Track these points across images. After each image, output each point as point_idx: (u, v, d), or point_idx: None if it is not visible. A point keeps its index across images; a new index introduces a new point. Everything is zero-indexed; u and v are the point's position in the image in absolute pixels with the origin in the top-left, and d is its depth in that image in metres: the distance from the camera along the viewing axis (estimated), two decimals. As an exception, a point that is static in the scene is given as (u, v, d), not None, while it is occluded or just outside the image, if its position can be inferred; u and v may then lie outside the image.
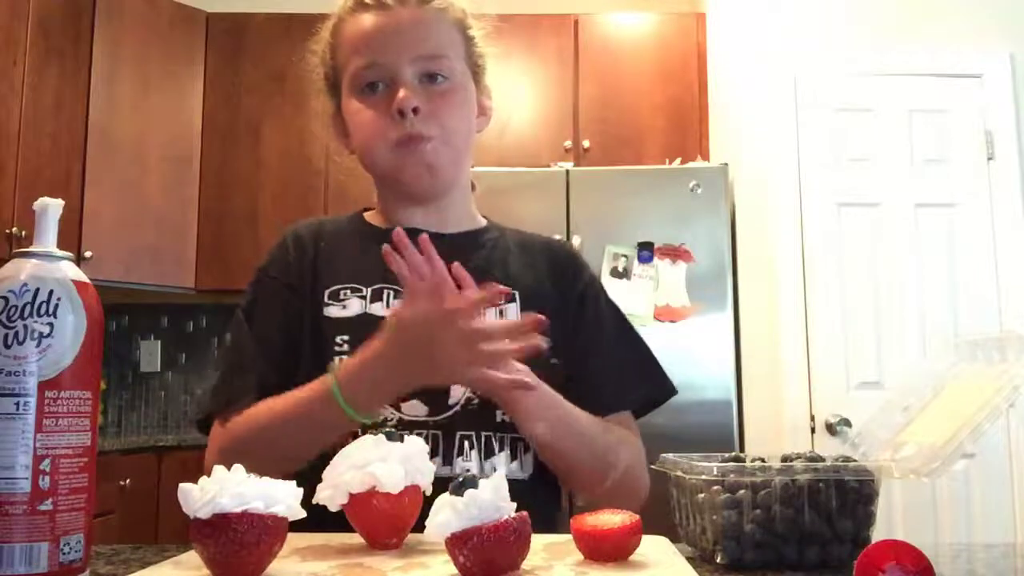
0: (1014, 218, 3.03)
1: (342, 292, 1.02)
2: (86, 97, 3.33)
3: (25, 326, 0.59)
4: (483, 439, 0.97)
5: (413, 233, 0.98)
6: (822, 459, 0.75)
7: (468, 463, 0.95)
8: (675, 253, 3.01)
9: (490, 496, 0.62)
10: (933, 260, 3.02)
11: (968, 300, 2.99)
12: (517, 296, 1.04)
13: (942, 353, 0.86)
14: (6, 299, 0.60)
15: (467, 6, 1.09)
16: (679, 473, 0.77)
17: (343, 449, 0.74)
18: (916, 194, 3.06)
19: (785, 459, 0.77)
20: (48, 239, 0.64)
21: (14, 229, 2.95)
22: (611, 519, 0.67)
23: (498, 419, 0.98)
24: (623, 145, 3.49)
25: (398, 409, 0.96)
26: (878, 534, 0.70)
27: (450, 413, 0.97)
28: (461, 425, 0.97)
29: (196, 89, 3.63)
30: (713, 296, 2.99)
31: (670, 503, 0.82)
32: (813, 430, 2.93)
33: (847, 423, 2.89)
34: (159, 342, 3.90)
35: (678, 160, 3.25)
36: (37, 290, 0.60)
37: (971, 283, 3.01)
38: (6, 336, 0.59)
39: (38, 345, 0.59)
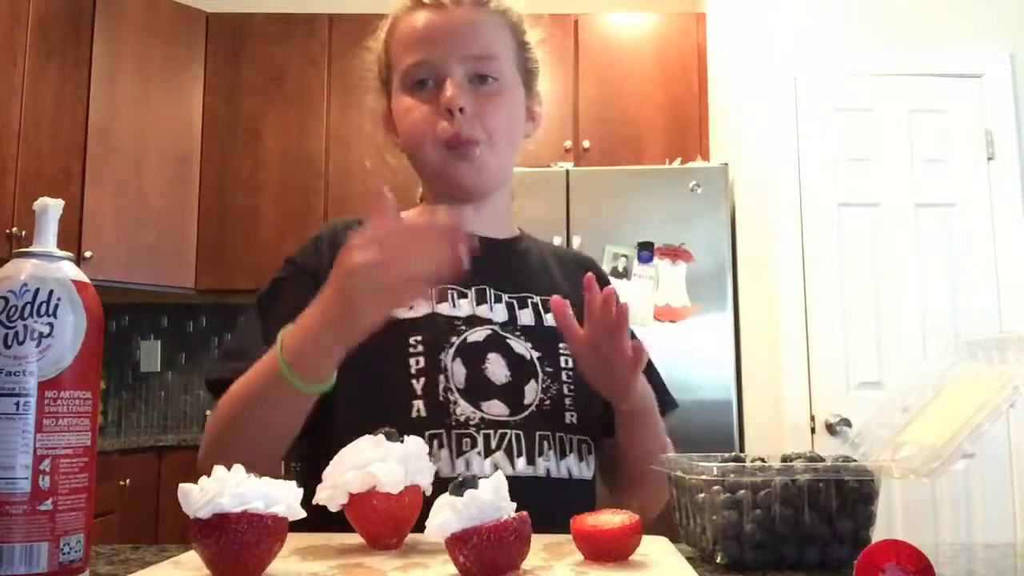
0: (1014, 218, 3.03)
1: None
2: (86, 97, 3.33)
3: (25, 326, 0.59)
4: (557, 439, 0.98)
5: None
6: (822, 459, 0.75)
7: (548, 463, 0.96)
8: (675, 253, 3.01)
9: (490, 496, 0.62)
10: (933, 260, 3.02)
11: (968, 300, 2.99)
12: (571, 304, 1.04)
13: (942, 353, 0.86)
14: (6, 299, 0.60)
15: (523, 10, 1.09)
16: (679, 473, 0.77)
17: (343, 449, 0.74)
18: (916, 194, 3.06)
19: (785, 459, 0.77)
20: (48, 239, 0.63)
21: (14, 229, 2.95)
22: (611, 519, 0.67)
23: (567, 420, 0.99)
24: (623, 145, 3.49)
25: (479, 408, 0.95)
26: (878, 534, 0.70)
27: (527, 413, 0.97)
28: (539, 425, 0.97)
29: (196, 89, 3.63)
30: (713, 296, 2.99)
31: (670, 503, 0.82)
32: (813, 430, 2.93)
33: (847, 423, 2.89)
34: (159, 342, 3.90)
35: (678, 160, 3.25)
36: (37, 290, 0.60)
37: (971, 283, 3.01)
38: (6, 336, 0.59)
39: (38, 345, 0.59)
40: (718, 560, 0.72)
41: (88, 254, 3.21)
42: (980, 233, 3.04)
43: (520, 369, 0.99)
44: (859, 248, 3.03)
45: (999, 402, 0.71)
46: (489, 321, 1.01)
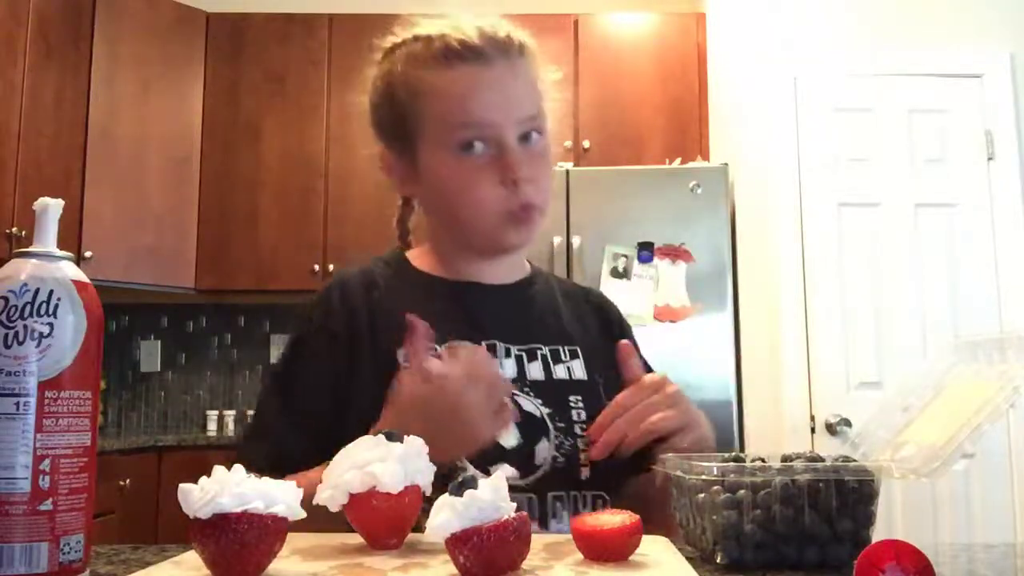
0: (1014, 218, 3.03)
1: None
2: (86, 97, 3.33)
3: (25, 326, 0.59)
4: (571, 498, 0.96)
5: (472, 287, 1.02)
6: (822, 459, 0.75)
7: (560, 524, 0.93)
8: (675, 253, 3.01)
9: (490, 496, 0.62)
10: (933, 260, 3.02)
11: (968, 300, 2.99)
12: (579, 351, 1.04)
13: (942, 353, 0.86)
14: (6, 299, 0.60)
15: (528, 38, 1.03)
16: (679, 473, 0.77)
17: (343, 449, 0.74)
18: (916, 194, 3.06)
19: (785, 459, 0.77)
20: (48, 239, 0.63)
21: (14, 229, 2.95)
22: (611, 519, 0.67)
23: (582, 477, 0.97)
24: (623, 145, 3.49)
25: (487, 473, 0.91)
26: (878, 534, 0.70)
27: (539, 474, 0.95)
28: (551, 485, 0.95)
29: (196, 89, 3.63)
30: (713, 296, 2.99)
31: (670, 503, 0.82)
32: (813, 430, 2.93)
33: (847, 423, 2.89)
34: (159, 342, 3.91)
35: (678, 160, 3.25)
36: (37, 290, 0.60)
37: (971, 283, 3.01)
38: (6, 336, 0.59)
39: (38, 345, 0.59)
40: (718, 560, 0.72)
41: (88, 254, 3.21)
42: (980, 233, 3.04)
43: (530, 428, 0.96)
44: (859, 248, 3.03)
45: (999, 402, 0.71)
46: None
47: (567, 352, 1.04)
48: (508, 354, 1.00)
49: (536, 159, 0.97)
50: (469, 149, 0.95)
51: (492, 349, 0.99)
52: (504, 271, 1.06)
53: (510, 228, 0.98)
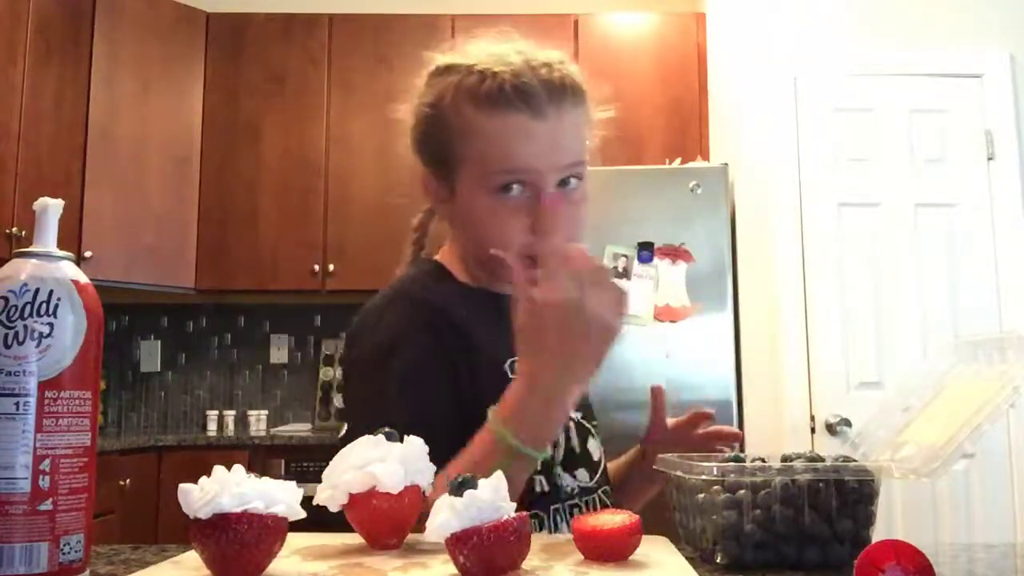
0: (1014, 218, 3.03)
1: (515, 364, 0.92)
2: (86, 97, 3.33)
3: (25, 326, 0.59)
4: (606, 492, 1.05)
5: (495, 297, 1.01)
6: (822, 459, 0.75)
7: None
8: (675, 253, 3.01)
9: (490, 496, 0.62)
10: (933, 260, 3.02)
11: (968, 300, 2.99)
12: None
13: (942, 353, 0.86)
14: (6, 299, 0.60)
15: (583, 78, 1.01)
16: (679, 473, 0.77)
17: (343, 449, 0.74)
18: (916, 194, 3.06)
19: (785, 459, 0.77)
20: (48, 239, 0.63)
21: (14, 229, 2.95)
22: (611, 519, 0.67)
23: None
24: (623, 145, 3.49)
25: (575, 478, 0.99)
26: (878, 534, 0.70)
27: (600, 473, 1.03)
28: (605, 480, 1.05)
29: (196, 89, 3.63)
30: (713, 296, 2.99)
31: (670, 503, 0.82)
32: (813, 430, 2.93)
33: (847, 423, 2.89)
34: (159, 342, 3.91)
35: (678, 160, 3.25)
36: (37, 290, 0.60)
37: (971, 283, 3.01)
38: (6, 336, 0.59)
39: (38, 345, 0.59)
40: (718, 560, 0.72)
41: (88, 254, 3.20)
42: (980, 233, 3.04)
43: (580, 432, 1.03)
44: (859, 248, 3.03)
45: (999, 402, 0.71)
46: None
47: None
48: None
49: (572, 205, 0.97)
50: (507, 191, 0.95)
51: None
52: None
53: (529, 271, 0.95)
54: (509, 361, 0.95)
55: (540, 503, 0.94)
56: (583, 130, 1.00)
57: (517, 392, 0.83)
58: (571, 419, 1.02)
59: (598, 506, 1.00)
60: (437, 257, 1.08)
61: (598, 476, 1.02)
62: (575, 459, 1.00)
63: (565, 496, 0.97)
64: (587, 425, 1.05)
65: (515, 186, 0.95)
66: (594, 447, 1.03)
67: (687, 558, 0.70)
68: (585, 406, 1.07)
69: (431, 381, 0.94)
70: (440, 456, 0.85)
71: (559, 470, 0.97)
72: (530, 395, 0.83)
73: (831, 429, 2.90)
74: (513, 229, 0.95)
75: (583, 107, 0.99)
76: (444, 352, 0.94)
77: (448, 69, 0.99)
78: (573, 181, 0.98)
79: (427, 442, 0.81)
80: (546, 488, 0.95)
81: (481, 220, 0.97)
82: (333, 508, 0.71)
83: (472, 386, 0.94)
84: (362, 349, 0.98)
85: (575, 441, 1.01)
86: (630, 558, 0.67)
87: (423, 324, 0.96)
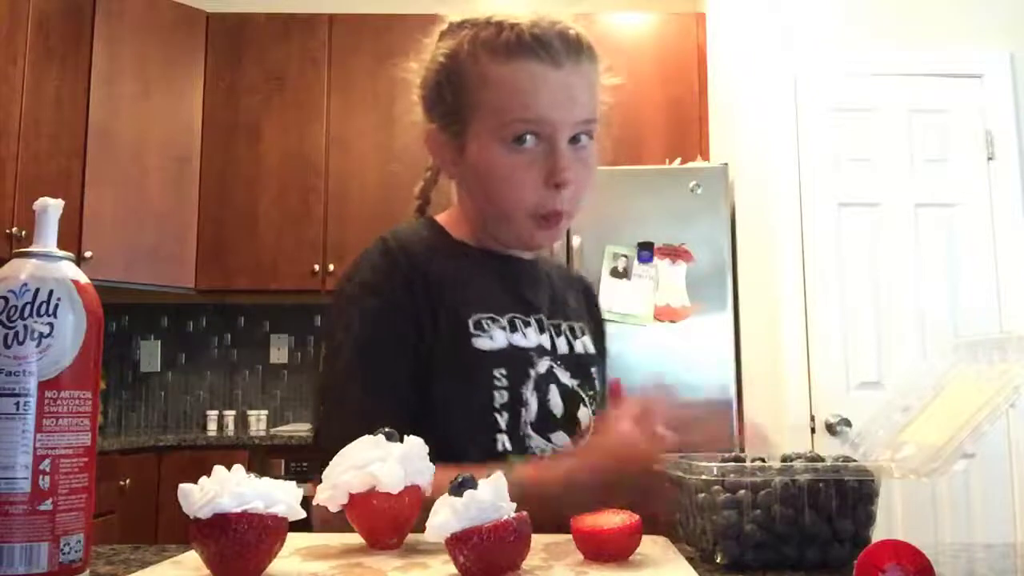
0: (1014, 218, 3.03)
1: (484, 322, 0.97)
2: (86, 97, 3.33)
3: (25, 326, 0.59)
4: None
5: (512, 260, 1.04)
6: (822, 459, 0.75)
7: None
8: (675, 253, 3.01)
9: (490, 496, 0.62)
10: (933, 260, 3.02)
11: (968, 300, 2.99)
12: (585, 328, 1.10)
13: (942, 353, 0.86)
14: (6, 299, 0.60)
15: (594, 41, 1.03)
16: (679, 473, 0.77)
17: (343, 449, 0.74)
18: (916, 194, 3.06)
19: (785, 459, 0.77)
20: (48, 239, 0.63)
21: (14, 229, 2.95)
22: (611, 519, 0.67)
23: None
24: (623, 145, 3.49)
25: (549, 441, 0.98)
26: (878, 534, 0.70)
27: (587, 439, 1.00)
28: None
29: (196, 89, 3.63)
30: (713, 296, 2.99)
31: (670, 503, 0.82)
32: (813, 430, 2.93)
33: (847, 423, 2.88)
34: (159, 342, 3.91)
35: (678, 160, 3.25)
36: (37, 290, 0.60)
37: (971, 283, 3.01)
38: (6, 336, 0.59)
39: (38, 345, 0.59)
40: (718, 560, 0.72)
41: (88, 254, 3.20)
42: (980, 233, 3.03)
43: (570, 398, 1.01)
44: (859, 248, 3.03)
45: (999, 402, 0.71)
46: (547, 351, 1.02)
47: (579, 328, 1.09)
48: (543, 328, 1.03)
49: (582, 163, 0.98)
50: (521, 142, 0.95)
51: (540, 323, 1.03)
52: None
53: (538, 230, 0.99)
54: (475, 317, 0.96)
55: (501, 461, 0.93)
56: (596, 89, 1.01)
57: (551, 471, 0.87)
58: (559, 382, 1.01)
59: None
60: (437, 217, 1.10)
61: (584, 442, 1.00)
62: (553, 422, 0.98)
63: (535, 458, 0.95)
64: (581, 393, 1.03)
65: (529, 137, 0.95)
66: (584, 415, 1.01)
67: (687, 558, 0.70)
68: (587, 375, 1.06)
69: (386, 334, 0.95)
70: (383, 398, 0.93)
71: (528, 430, 0.96)
72: (562, 485, 0.85)
73: (831, 429, 2.90)
74: (526, 182, 0.96)
75: (596, 66, 1.01)
76: (409, 301, 0.95)
77: (462, 24, 1.01)
78: (584, 139, 0.98)
79: (373, 392, 0.92)
80: (508, 447, 0.95)
81: (494, 172, 0.97)
82: (333, 508, 0.71)
83: (432, 336, 0.95)
84: (339, 290, 1.00)
85: (555, 405, 0.99)
86: (630, 558, 0.67)
87: (390, 273, 0.97)
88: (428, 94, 1.03)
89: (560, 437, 0.98)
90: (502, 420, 0.95)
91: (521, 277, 1.06)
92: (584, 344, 1.08)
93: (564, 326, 1.06)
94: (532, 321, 1.02)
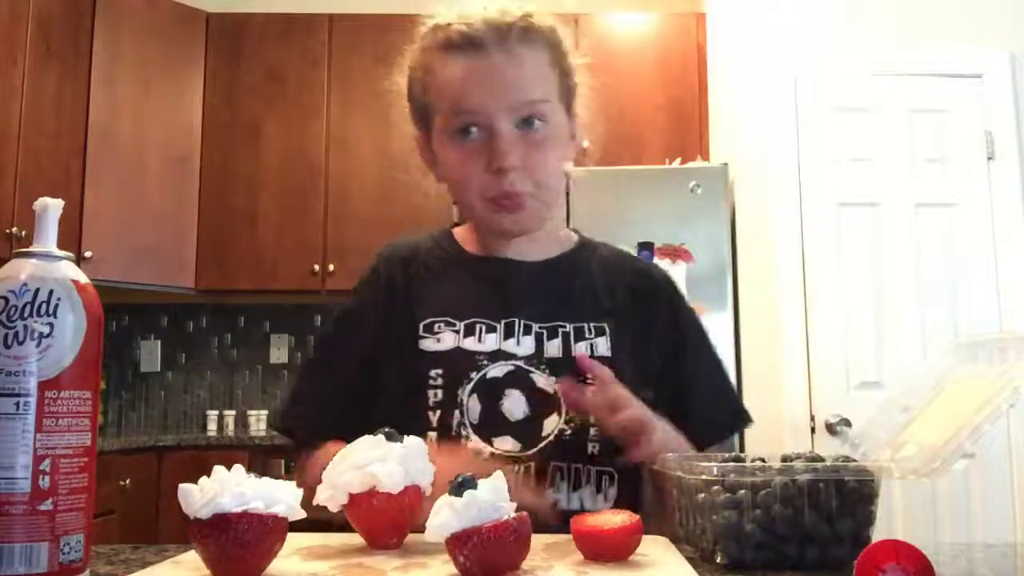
0: (1014, 218, 3.03)
1: (436, 325, 1.02)
2: (86, 97, 3.33)
3: (25, 326, 0.59)
4: (573, 471, 0.98)
5: (503, 264, 1.06)
6: (822, 459, 0.75)
7: (558, 494, 0.96)
8: (675, 253, 3.01)
9: (490, 496, 0.62)
10: (933, 260, 3.02)
11: (968, 300, 2.99)
12: (607, 327, 1.05)
13: (942, 353, 0.86)
14: (6, 299, 0.60)
15: (552, 20, 1.05)
16: (679, 473, 0.77)
17: (343, 449, 0.74)
18: (916, 194, 3.06)
19: (785, 459, 0.77)
20: (48, 239, 0.63)
21: (14, 229, 2.95)
22: (611, 519, 0.67)
23: (588, 451, 0.99)
24: (623, 145, 3.49)
25: (490, 444, 0.97)
26: (878, 534, 0.70)
27: (542, 445, 0.98)
28: (553, 456, 0.98)
29: (196, 89, 3.63)
30: (713, 296, 2.99)
31: (670, 503, 0.82)
32: (813, 430, 2.93)
33: (847, 423, 2.88)
34: (159, 342, 3.91)
35: (678, 160, 3.25)
36: (37, 290, 0.60)
37: (971, 283, 3.01)
38: (6, 336, 0.59)
39: (38, 345, 0.59)
40: (718, 560, 0.72)
41: (88, 254, 3.20)
42: (980, 233, 3.03)
43: (542, 403, 0.99)
44: (859, 248, 3.03)
45: (999, 402, 0.71)
46: (514, 356, 1.01)
47: (592, 329, 1.05)
48: (528, 331, 1.03)
49: (534, 145, 0.99)
50: (466, 134, 0.99)
51: (511, 327, 1.02)
52: (540, 247, 1.09)
53: (499, 214, 1.01)
54: (428, 320, 1.02)
55: None
56: (543, 70, 1.02)
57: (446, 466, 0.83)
58: (533, 386, 0.99)
59: (521, 474, 0.95)
60: (458, 228, 1.14)
61: (536, 449, 0.97)
62: (500, 424, 0.97)
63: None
64: (561, 398, 0.98)
65: (473, 129, 0.99)
66: (551, 423, 0.98)
67: (687, 558, 0.70)
68: (577, 379, 1.00)
69: (346, 331, 1.08)
70: (324, 384, 1.05)
71: (467, 431, 0.96)
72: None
73: (831, 429, 2.90)
74: (472, 170, 0.99)
75: (539, 47, 1.01)
76: (380, 304, 1.05)
77: (428, 32, 1.05)
78: (537, 122, 1.00)
79: (318, 379, 1.04)
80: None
81: (447, 166, 1.03)
82: (333, 508, 0.71)
83: (386, 335, 1.03)
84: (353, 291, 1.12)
85: (509, 409, 0.98)
86: (630, 558, 0.67)
87: (369, 280, 1.09)
88: (410, 102, 1.09)
89: (507, 441, 0.96)
90: (434, 418, 0.97)
91: (507, 280, 1.06)
92: (592, 346, 1.03)
93: (568, 328, 1.04)
94: (499, 326, 1.02)
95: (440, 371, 0.99)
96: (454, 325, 1.01)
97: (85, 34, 3.34)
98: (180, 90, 3.61)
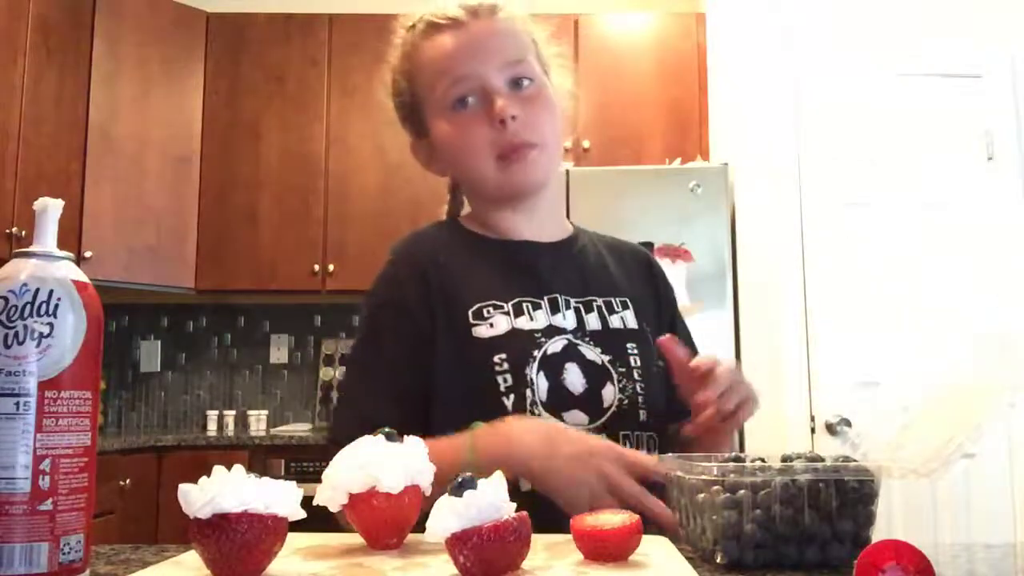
0: (1014, 218, 3.03)
1: (485, 310, 1.02)
2: (86, 97, 3.33)
3: (25, 326, 0.59)
4: (634, 437, 1.02)
5: (526, 245, 1.07)
6: (822, 459, 0.75)
7: None
8: (675, 253, 3.01)
9: (490, 496, 0.62)
10: (933, 260, 3.02)
11: (968, 300, 2.99)
12: (629, 302, 1.10)
13: (943, 353, 0.86)
14: (6, 299, 0.59)
15: (525, 12, 1.11)
16: (679, 473, 0.77)
17: (343, 449, 0.74)
18: (916, 194, 3.06)
19: (785, 459, 0.77)
20: (48, 239, 0.63)
21: (14, 229, 2.95)
22: (611, 519, 0.67)
23: (641, 418, 1.03)
24: (623, 145, 3.49)
25: (562, 419, 0.98)
26: (878, 534, 0.70)
27: (607, 417, 1.01)
28: (618, 425, 1.01)
29: (196, 89, 3.63)
30: (713, 296, 2.99)
31: (670, 503, 0.82)
32: (813, 430, 2.93)
33: (847, 423, 2.89)
34: (159, 342, 3.91)
35: (678, 160, 3.25)
36: (37, 290, 0.60)
37: (971, 283, 3.01)
38: (6, 336, 0.59)
39: (38, 345, 0.59)
40: (718, 560, 0.72)
41: (88, 254, 3.21)
42: (980, 233, 3.03)
43: (596, 375, 1.02)
44: (859, 248, 3.03)
45: (999, 402, 0.71)
46: (564, 330, 1.03)
47: (619, 303, 1.09)
48: (568, 306, 1.06)
49: (528, 101, 1.03)
50: (463, 105, 1.03)
51: (554, 303, 1.05)
52: (549, 230, 1.12)
53: (508, 168, 1.03)
54: (476, 306, 1.01)
55: None
56: (519, 37, 1.07)
57: (513, 439, 0.89)
58: (584, 359, 1.02)
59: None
60: (462, 215, 1.16)
61: (603, 420, 1.00)
62: (566, 399, 0.99)
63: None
64: (611, 369, 1.03)
65: (469, 98, 1.03)
66: (608, 392, 1.01)
67: (687, 558, 0.70)
68: (621, 351, 1.05)
69: (385, 331, 1.04)
70: (383, 396, 1.00)
71: (539, 410, 0.97)
72: (513, 450, 0.88)
73: (831, 429, 2.90)
74: (474, 134, 1.02)
75: (511, 18, 1.07)
76: (410, 301, 1.02)
77: (405, 32, 1.10)
78: (525, 82, 1.04)
79: (375, 392, 0.99)
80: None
81: (450, 140, 1.05)
82: (333, 508, 0.71)
83: (433, 331, 1.01)
84: (361, 308, 1.10)
85: (572, 383, 1.00)
86: (630, 558, 0.67)
87: (393, 279, 1.06)
88: (396, 108, 1.12)
89: (576, 415, 0.99)
90: (508, 403, 0.97)
91: (535, 260, 1.09)
92: (623, 319, 1.08)
93: (599, 302, 1.08)
94: (544, 302, 1.04)
95: (504, 355, 0.99)
96: (502, 307, 1.02)
97: (85, 34, 3.34)
98: (180, 90, 3.61)
